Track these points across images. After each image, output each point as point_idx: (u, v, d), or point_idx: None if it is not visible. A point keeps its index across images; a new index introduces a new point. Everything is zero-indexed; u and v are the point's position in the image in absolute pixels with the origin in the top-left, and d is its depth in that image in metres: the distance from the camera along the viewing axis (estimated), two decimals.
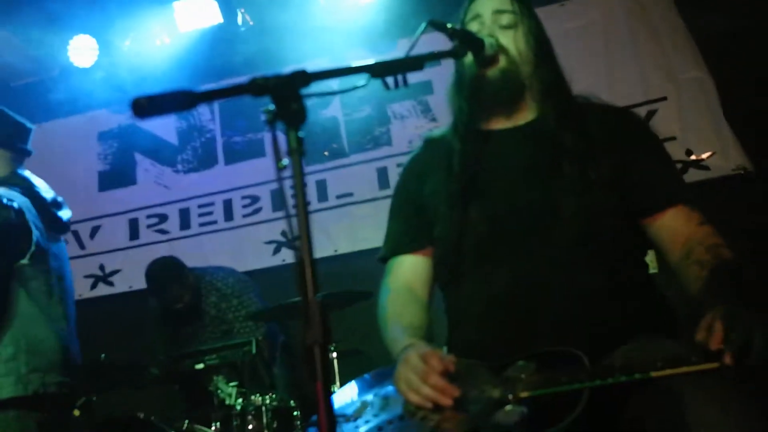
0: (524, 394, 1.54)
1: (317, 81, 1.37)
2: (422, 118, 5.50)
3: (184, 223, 5.64)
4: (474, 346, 1.74)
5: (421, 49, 1.69)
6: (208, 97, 1.24)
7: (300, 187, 1.24)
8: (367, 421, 1.72)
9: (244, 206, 5.57)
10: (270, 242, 5.41)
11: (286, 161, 1.24)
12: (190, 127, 5.86)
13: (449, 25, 1.82)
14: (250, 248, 5.33)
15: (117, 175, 5.89)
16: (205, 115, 5.84)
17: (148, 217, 5.74)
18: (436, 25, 1.80)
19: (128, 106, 1.17)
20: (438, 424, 1.55)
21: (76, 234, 5.66)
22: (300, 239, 1.18)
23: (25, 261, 2.87)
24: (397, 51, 5.41)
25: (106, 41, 5.32)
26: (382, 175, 5.34)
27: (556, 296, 1.71)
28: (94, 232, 5.78)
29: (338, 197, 5.38)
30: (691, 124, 4.85)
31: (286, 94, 1.28)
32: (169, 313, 4.63)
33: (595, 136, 1.88)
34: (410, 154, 2.22)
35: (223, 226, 5.56)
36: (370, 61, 1.58)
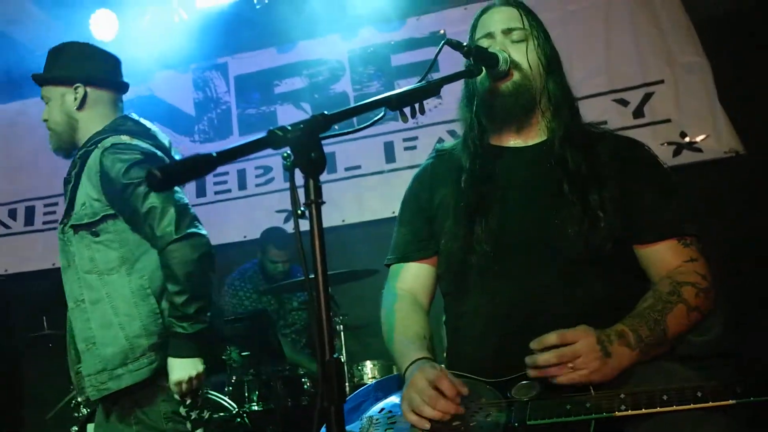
0: (531, 423, 1.48)
1: (336, 122, 1.28)
2: None
3: (200, 191, 5.52)
4: (475, 361, 1.69)
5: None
6: (228, 157, 1.14)
7: (319, 242, 1.18)
8: None
9: (257, 176, 5.46)
10: (281, 210, 5.31)
11: (303, 209, 1.18)
12: (206, 98, 5.71)
13: (465, 45, 1.76)
14: (262, 216, 5.24)
15: None
16: (221, 87, 5.68)
17: None
18: (453, 45, 1.74)
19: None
20: None
21: None
22: (315, 296, 1.11)
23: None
24: (406, 28, 5.26)
25: (125, 16, 5.14)
26: (389, 149, 5.21)
27: (557, 315, 1.65)
28: None
29: (347, 169, 5.27)
30: (686, 107, 4.70)
31: (306, 143, 1.18)
32: (265, 272, 4.79)
33: (602, 162, 1.82)
34: (421, 164, 2.14)
35: (237, 195, 5.46)
36: (388, 95, 1.53)
